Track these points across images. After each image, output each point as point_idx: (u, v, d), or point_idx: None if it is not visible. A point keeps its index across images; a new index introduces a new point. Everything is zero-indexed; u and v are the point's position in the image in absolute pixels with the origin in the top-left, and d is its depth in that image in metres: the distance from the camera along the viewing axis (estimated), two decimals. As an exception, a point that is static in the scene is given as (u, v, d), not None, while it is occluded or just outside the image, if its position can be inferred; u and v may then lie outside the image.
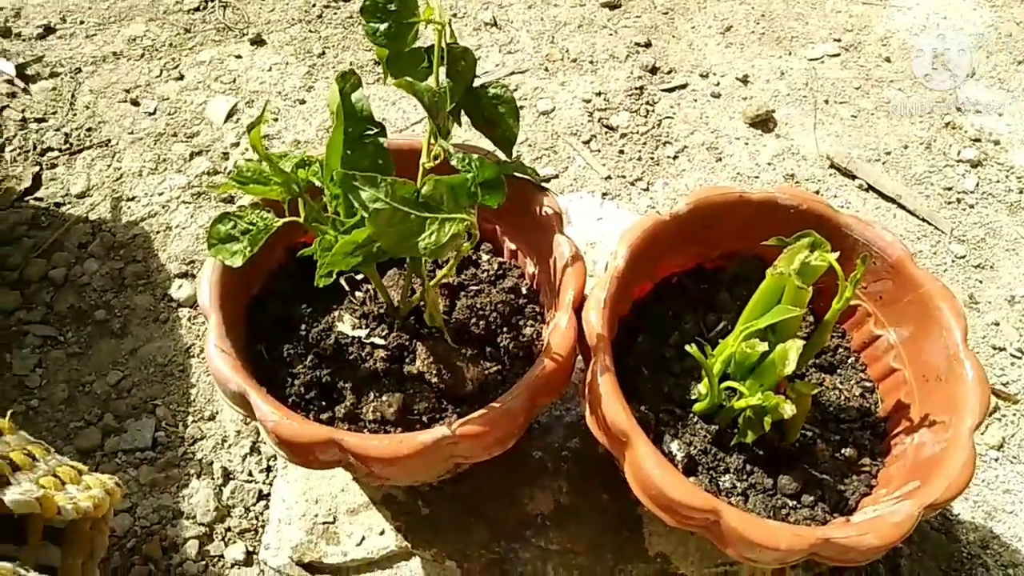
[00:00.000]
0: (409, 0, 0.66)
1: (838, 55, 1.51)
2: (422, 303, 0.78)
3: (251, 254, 0.68)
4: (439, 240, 0.54)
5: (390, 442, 0.64)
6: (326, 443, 0.65)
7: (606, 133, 1.37)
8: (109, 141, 1.34)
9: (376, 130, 0.63)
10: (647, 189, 1.29)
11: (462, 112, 0.75)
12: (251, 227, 0.69)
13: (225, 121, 1.37)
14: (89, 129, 1.35)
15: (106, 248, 1.19)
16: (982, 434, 1.04)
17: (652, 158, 1.33)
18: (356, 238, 0.58)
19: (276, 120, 1.38)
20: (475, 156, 0.61)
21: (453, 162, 0.60)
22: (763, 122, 1.39)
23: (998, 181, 1.31)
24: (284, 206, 0.69)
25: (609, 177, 1.30)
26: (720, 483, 0.74)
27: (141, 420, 1.03)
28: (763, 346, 0.70)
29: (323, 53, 1.49)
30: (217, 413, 1.05)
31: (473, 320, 0.81)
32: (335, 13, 1.57)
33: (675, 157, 1.34)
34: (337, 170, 0.60)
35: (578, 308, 0.75)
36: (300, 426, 0.65)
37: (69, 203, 1.25)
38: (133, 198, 1.26)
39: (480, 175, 0.58)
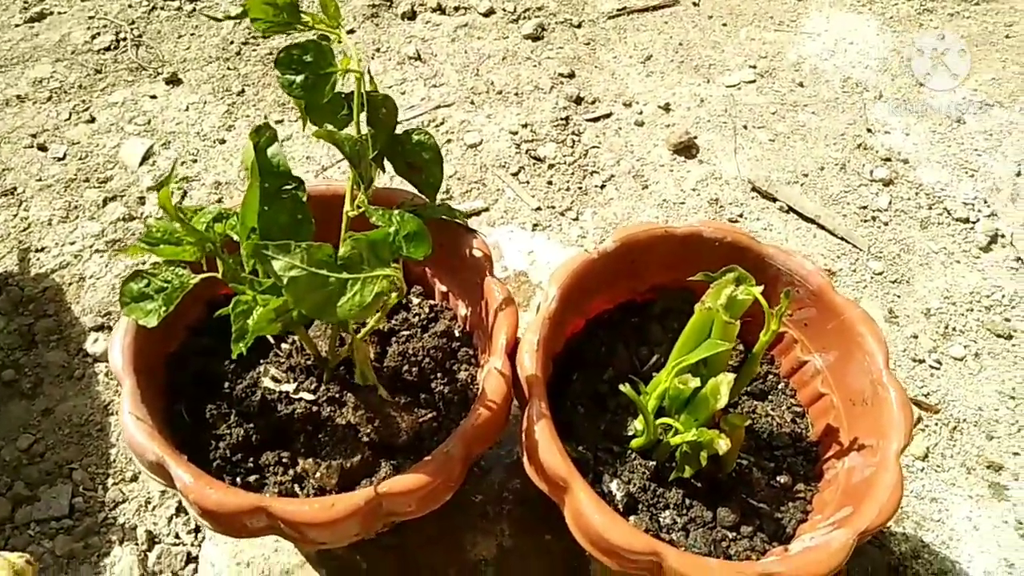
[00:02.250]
0: (325, 51, 0.64)
1: (754, 81, 1.56)
2: (352, 353, 0.75)
3: (166, 313, 0.65)
4: (362, 301, 0.52)
5: (321, 506, 0.62)
6: (253, 511, 0.62)
7: (534, 164, 1.37)
8: (15, 189, 1.27)
9: (294, 184, 0.61)
10: (577, 219, 1.30)
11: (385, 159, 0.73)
12: (166, 285, 0.66)
13: (140, 164, 1.32)
14: (-8, 177, 1.28)
15: (13, 303, 1.12)
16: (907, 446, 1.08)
17: (580, 188, 1.35)
18: (274, 305, 0.56)
19: (195, 161, 1.33)
20: (396, 211, 0.60)
21: (372, 219, 0.58)
22: (686, 148, 1.42)
23: (909, 198, 1.37)
24: (202, 261, 0.66)
25: (539, 208, 1.31)
26: (660, 519, 0.74)
27: (56, 486, 0.97)
28: (695, 381, 0.70)
29: (243, 91, 1.46)
30: (139, 473, 0.99)
31: (406, 367, 0.79)
32: (254, 50, 1.54)
33: (603, 186, 1.35)
34: (245, 243, 0.58)
35: (511, 352, 0.74)
36: (224, 494, 0.62)
37: (-29, 257, 1.18)
38: (42, 249, 1.20)
39: (403, 228, 0.57)
